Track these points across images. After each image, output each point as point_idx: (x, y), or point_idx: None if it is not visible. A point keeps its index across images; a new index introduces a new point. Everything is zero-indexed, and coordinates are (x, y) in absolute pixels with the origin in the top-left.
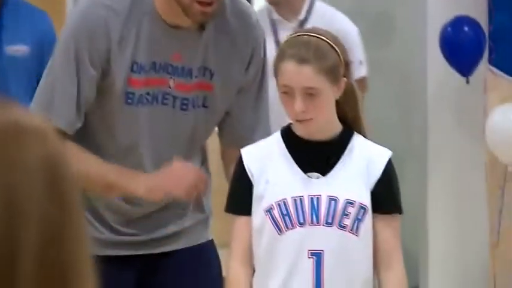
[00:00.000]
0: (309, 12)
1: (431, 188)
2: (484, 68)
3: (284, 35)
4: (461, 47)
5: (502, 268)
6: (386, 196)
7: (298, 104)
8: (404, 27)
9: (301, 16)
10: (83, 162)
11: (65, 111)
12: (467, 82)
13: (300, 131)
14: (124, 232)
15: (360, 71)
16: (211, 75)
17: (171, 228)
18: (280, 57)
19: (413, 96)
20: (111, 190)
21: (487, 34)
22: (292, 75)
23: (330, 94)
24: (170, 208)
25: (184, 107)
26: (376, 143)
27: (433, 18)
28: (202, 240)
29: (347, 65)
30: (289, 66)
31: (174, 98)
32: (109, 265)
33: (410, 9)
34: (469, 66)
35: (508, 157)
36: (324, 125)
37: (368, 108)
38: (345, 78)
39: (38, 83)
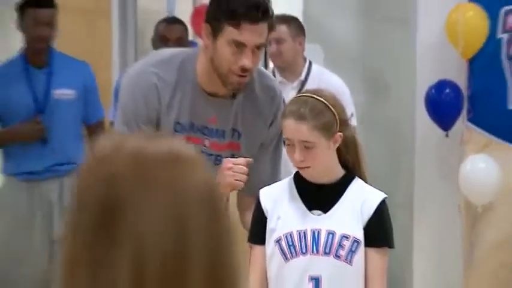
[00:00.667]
0: (307, 74)
1: (417, 232)
2: (461, 125)
3: (286, 94)
4: (441, 106)
5: None
6: (377, 232)
7: (297, 155)
8: (397, 89)
9: (302, 77)
10: None
11: None
12: (447, 136)
13: (303, 175)
14: None
15: (352, 122)
16: (239, 136)
17: None
18: (283, 115)
19: (403, 149)
20: None
21: (465, 96)
22: (291, 130)
23: (324, 146)
24: None
25: (218, 162)
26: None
27: (421, 82)
28: None
29: (343, 122)
30: (290, 123)
31: (209, 155)
32: None
33: (402, 74)
34: (448, 123)
35: (478, 200)
36: (325, 170)
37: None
38: (340, 133)
39: (81, 122)
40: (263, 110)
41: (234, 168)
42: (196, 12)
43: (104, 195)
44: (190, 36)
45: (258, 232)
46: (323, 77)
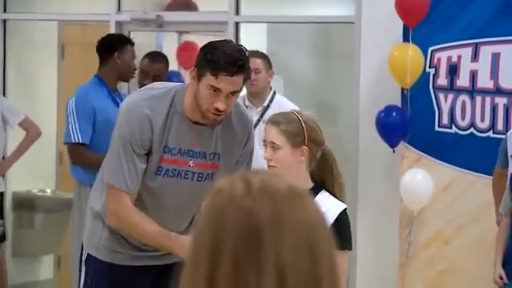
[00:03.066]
0: (270, 101)
1: (360, 231)
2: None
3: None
4: (389, 128)
5: (409, 281)
6: (337, 238)
7: (265, 153)
8: (343, 113)
9: (265, 104)
10: (141, 225)
11: (134, 183)
12: (393, 152)
13: None
14: (146, 249)
15: None
16: (219, 158)
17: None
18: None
19: (348, 163)
20: (160, 246)
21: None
22: (266, 132)
23: (289, 152)
24: (183, 234)
25: (199, 179)
26: None
27: (364, 107)
28: None
29: (313, 140)
30: (266, 126)
31: (193, 173)
32: (134, 272)
33: (347, 100)
34: (395, 141)
35: (413, 205)
36: (291, 178)
37: None
38: (306, 147)
39: None
40: (238, 134)
41: None
42: (180, 48)
43: (245, 229)
44: (176, 67)
45: None
46: (282, 104)
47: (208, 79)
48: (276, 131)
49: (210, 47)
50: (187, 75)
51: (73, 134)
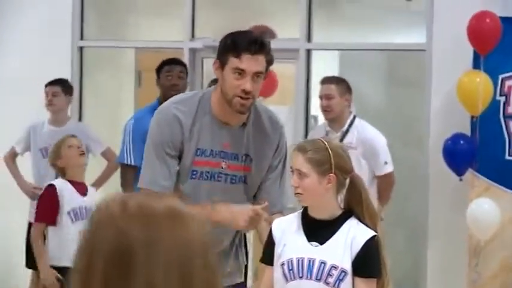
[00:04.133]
0: (350, 125)
1: (430, 257)
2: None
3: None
4: (457, 155)
5: None
6: (363, 265)
7: (292, 180)
8: (414, 141)
9: (344, 128)
10: None
11: (169, 184)
12: (461, 180)
13: (299, 203)
14: None
15: (386, 168)
16: (251, 160)
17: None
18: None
19: (418, 189)
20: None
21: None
22: (292, 159)
23: (315, 180)
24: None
25: (233, 181)
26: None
27: (434, 134)
28: (237, 281)
29: (341, 168)
30: (293, 153)
31: (226, 175)
32: None
33: (417, 128)
34: (462, 169)
35: (480, 235)
36: (319, 205)
37: None
38: (333, 175)
39: None
40: (269, 138)
41: (253, 218)
42: None
43: (116, 249)
44: None
45: (268, 254)
46: (362, 128)
47: (232, 62)
48: (303, 158)
49: (229, 34)
50: (265, 104)
51: (127, 155)
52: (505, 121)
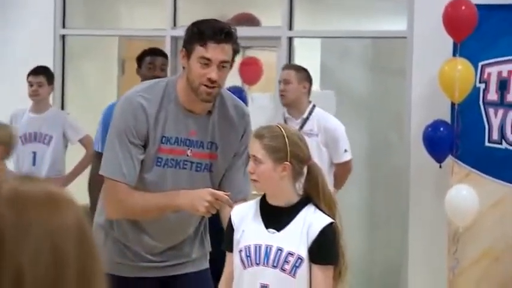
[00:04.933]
0: (309, 114)
1: (411, 244)
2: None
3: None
4: (436, 142)
5: None
6: (320, 252)
7: (249, 167)
8: (395, 128)
9: (304, 116)
10: (142, 199)
11: (131, 173)
12: (440, 167)
13: (254, 189)
14: (150, 259)
15: (345, 156)
16: (216, 147)
17: (182, 259)
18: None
19: (398, 176)
20: (164, 210)
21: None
22: (250, 145)
23: (271, 167)
24: (183, 244)
25: (198, 169)
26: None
27: (414, 121)
28: (203, 267)
29: (297, 156)
30: (252, 139)
31: (191, 163)
32: (136, 284)
33: (398, 115)
34: (442, 156)
35: (458, 221)
36: (275, 192)
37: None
38: (288, 163)
39: None
40: (235, 126)
41: (211, 201)
42: (242, 63)
43: None
44: (239, 83)
45: (228, 241)
46: (322, 117)
47: (198, 51)
48: (259, 145)
49: (195, 23)
50: (250, 91)
51: (96, 142)
52: (484, 108)
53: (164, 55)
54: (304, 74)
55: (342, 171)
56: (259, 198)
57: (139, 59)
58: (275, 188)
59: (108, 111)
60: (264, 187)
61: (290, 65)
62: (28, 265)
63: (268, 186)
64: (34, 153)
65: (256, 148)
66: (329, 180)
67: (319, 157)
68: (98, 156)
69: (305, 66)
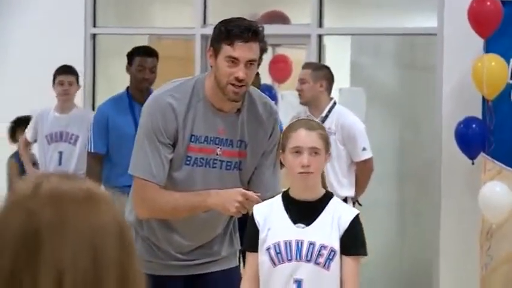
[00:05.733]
0: (329, 111)
1: (443, 240)
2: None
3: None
4: (469, 139)
5: None
6: (350, 243)
7: (305, 160)
8: (425, 124)
9: (323, 114)
10: (172, 199)
11: (160, 173)
12: (473, 163)
13: (299, 185)
14: (179, 258)
15: (364, 155)
16: (246, 146)
17: (212, 257)
18: (291, 128)
19: (430, 173)
20: (194, 210)
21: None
22: (302, 138)
23: (323, 157)
24: (212, 242)
25: (228, 168)
26: None
27: (446, 118)
28: (232, 265)
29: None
30: (301, 132)
31: (221, 161)
32: (164, 282)
33: (429, 111)
34: (474, 153)
35: (492, 218)
36: (317, 186)
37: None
38: (330, 152)
39: None
40: (264, 124)
41: (242, 202)
42: (272, 61)
43: (24, 230)
44: (269, 81)
45: (251, 241)
46: (341, 114)
47: (225, 50)
48: (316, 135)
49: (223, 21)
50: (280, 89)
51: (88, 143)
52: None
53: (155, 55)
54: (321, 73)
55: (362, 170)
56: (280, 195)
57: (130, 57)
58: (317, 181)
59: (98, 113)
60: (316, 179)
61: (308, 64)
62: (67, 267)
63: (317, 179)
64: (60, 153)
65: (313, 139)
66: (349, 180)
67: (337, 155)
68: (90, 156)
69: (335, 64)
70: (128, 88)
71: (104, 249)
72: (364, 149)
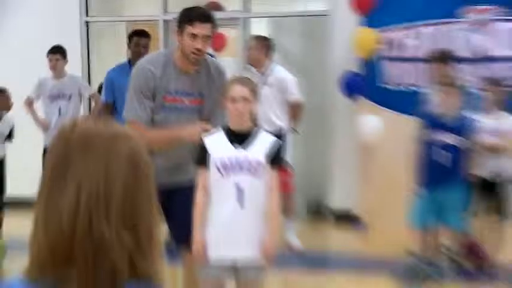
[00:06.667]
0: (269, 69)
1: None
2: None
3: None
4: (352, 87)
5: None
6: (273, 158)
7: (240, 107)
8: (320, 79)
9: (265, 71)
10: (155, 134)
11: (144, 116)
12: (353, 104)
13: (235, 122)
14: (162, 176)
15: (294, 97)
16: (203, 96)
17: (182, 176)
18: (231, 83)
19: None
20: (172, 140)
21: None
22: (238, 91)
23: (253, 104)
24: (183, 164)
25: (192, 111)
26: None
27: (335, 72)
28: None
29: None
30: (237, 86)
31: (187, 107)
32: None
33: (322, 70)
34: (355, 97)
35: (368, 141)
36: (247, 122)
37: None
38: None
39: None
40: (215, 80)
41: (201, 131)
42: (214, 37)
43: (62, 153)
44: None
45: (202, 159)
46: (277, 70)
47: (188, 30)
48: (247, 89)
49: (185, 9)
50: (219, 56)
51: (101, 95)
52: (383, 61)
53: (147, 35)
54: (262, 43)
55: (294, 109)
56: (222, 128)
57: (129, 38)
58: (247, 118)
59: (108, 76)
60: (246, 117)
61: (254, 36)
62: (85, 179)
63: (246, 117)
64: (59, 108)
65: (245, 91)
66: (283, 115)
67: (275, 99)
68: (103, 105)
69: None
70: (129, 59)
71: (114, 170)
72: (294, 93)
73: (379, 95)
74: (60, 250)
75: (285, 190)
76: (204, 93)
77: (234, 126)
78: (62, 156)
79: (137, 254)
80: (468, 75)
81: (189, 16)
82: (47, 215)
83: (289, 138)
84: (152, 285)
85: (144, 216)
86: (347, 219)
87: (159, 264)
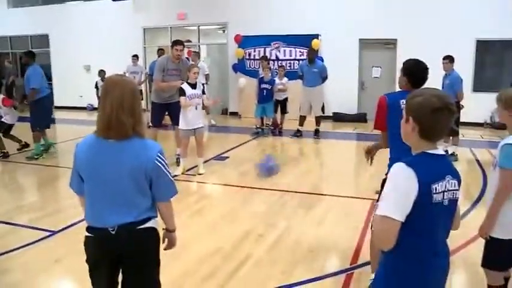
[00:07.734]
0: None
1: None
2: None
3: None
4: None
5: None
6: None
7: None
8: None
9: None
10: (164, 84)
11: (160, 78)
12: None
13: (192, 80)
14: (166, 98)
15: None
16: (180, 71)
17: (172, 98)
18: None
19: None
20: (170, 87)
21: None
22: (195, 69)
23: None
24: (173, 95)
25: (178, 75)
26: None
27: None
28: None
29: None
30: (194, 68)
31: (175, 75)
32: (162, 105)
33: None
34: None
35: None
36: (195, 80)
37: None
38: None
39: None
40: (183, 66)
41: (181, 84)
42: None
43: (104, 87)
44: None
45: (182, 92)
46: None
47: (174, 48)
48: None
49: (173, 41)
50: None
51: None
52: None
53: (182, 44)
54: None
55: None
56: (186, 82)
57: (172, 45)
58: (196, 78)
59: (157, 61)
60: (195, 79)
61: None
62: (114, 99)
63: (196, 78)
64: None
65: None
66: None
67: None
68: (150, 77)
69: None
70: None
71: (126, 96)
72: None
73: None
74: (106, 124)
75: None
76: (181, 70)
77: (191, 81)
78: (105, 89)
79: (136, 126)
80: None
81: (174, 43)
82: (102, 110)
83: None
84: (144, 139)
85: (137, 111)
86: None
87: (145, 130)
